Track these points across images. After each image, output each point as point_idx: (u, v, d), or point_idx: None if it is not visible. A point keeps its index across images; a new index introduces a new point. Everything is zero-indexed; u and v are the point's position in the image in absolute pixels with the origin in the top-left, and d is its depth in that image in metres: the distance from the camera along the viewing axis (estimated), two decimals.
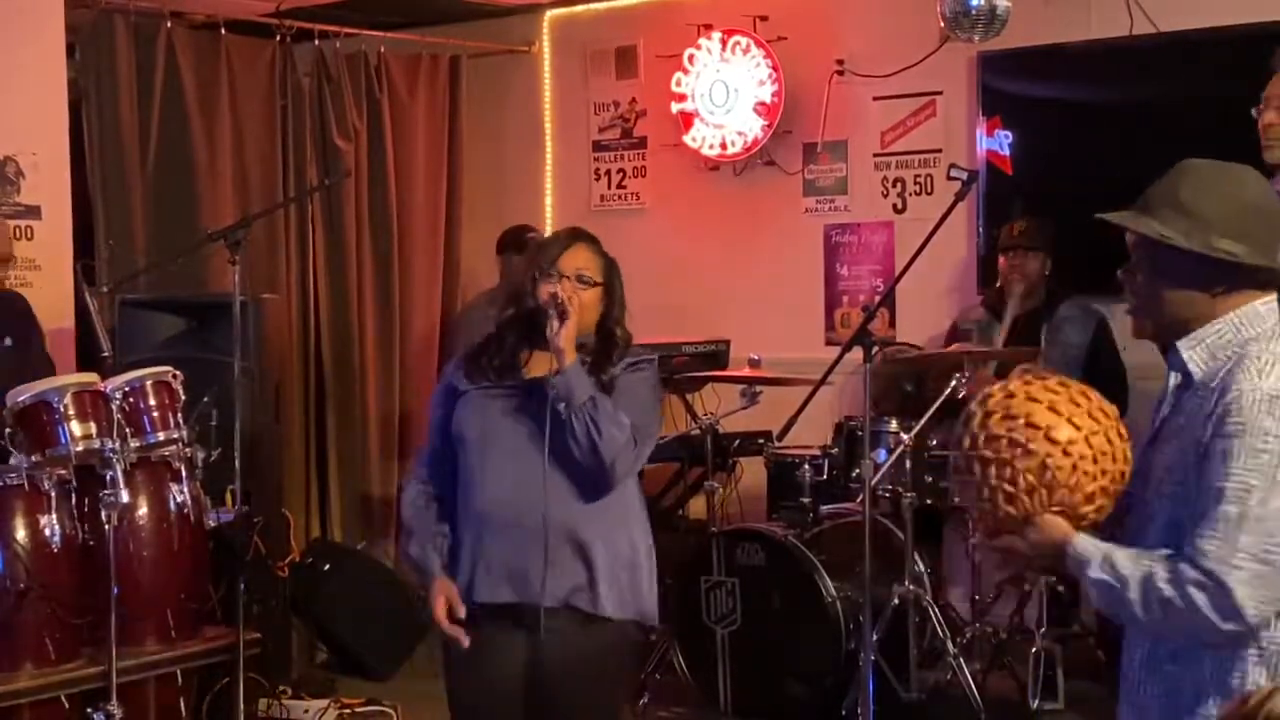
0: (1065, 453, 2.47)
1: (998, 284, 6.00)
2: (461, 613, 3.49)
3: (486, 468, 3.53)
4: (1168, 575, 2.42)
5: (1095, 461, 2.48)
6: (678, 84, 7.11)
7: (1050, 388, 2.52)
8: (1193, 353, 2.52)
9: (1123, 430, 2.52)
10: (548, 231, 7.06)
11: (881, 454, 5.34)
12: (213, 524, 4.87)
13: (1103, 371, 5.53)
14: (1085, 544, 2.50)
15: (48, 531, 4.39)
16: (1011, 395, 2.52)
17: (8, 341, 5.04)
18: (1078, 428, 2.48)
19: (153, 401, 4.60)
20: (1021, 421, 2.48)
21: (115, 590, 4.28)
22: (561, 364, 3.43)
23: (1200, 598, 2.39)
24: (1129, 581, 2.45)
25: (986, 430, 2.50)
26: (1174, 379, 2.56)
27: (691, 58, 7.05)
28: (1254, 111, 4.56)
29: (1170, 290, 2.52)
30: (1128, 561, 2.47)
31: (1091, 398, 2.54)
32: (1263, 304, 2.51)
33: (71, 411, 4.39)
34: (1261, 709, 1.73)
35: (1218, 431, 2.41)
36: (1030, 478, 2.47)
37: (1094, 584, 2.48)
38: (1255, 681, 2.45)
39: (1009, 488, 2.49)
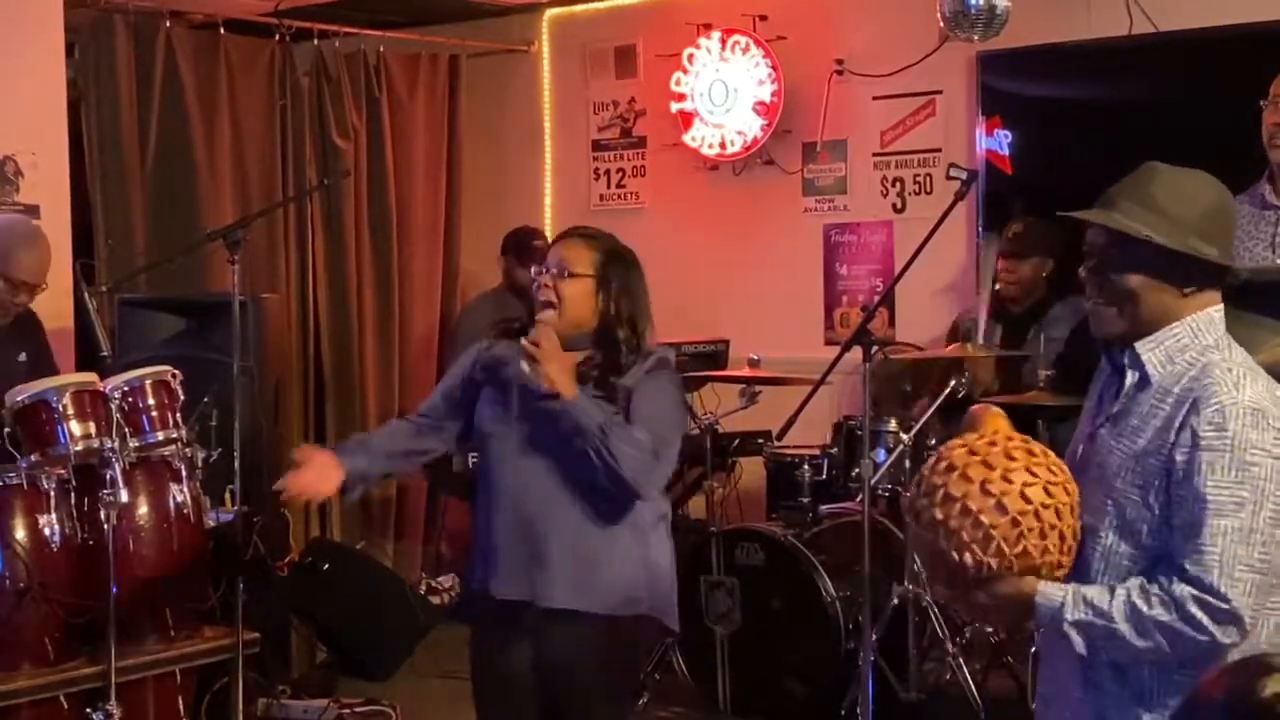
0: (1036, 515, 2.45)
1: (995, 285, 5.99)
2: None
3: (497, 467, 3.56)
4: (1159, 598, 2.42)
5: (1055, 524, 2.47)
6: (677, 83, 7.11)
7: (1017, 448, 2.51)
8: (1151, 354, 2.54)
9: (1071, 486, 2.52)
10: (548, 230, 7.07)
11: (881, 454, 5.34)
12: (212, 524, 4.86)
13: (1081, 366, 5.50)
14: (1051, 589, 2.49)
15: (47, 531, 4.38)
16: (974, 453, 2.50)
17: (22, 357, 5.03)
18: (1049, 493, 2.47)
19: (152, 401, 4.59)
20: (998, 474, 2.46)
21: (114, 590, 4.28)
22: (564, 400, 3.37)
23: (1200, 614, 2.39)
24: (1113, 614, 2.45)
25: (947, 485, 2.48)
26: (1131, 377, 2.57)
27: (691, 57, 7.05)
28: (1261, 104, 4.54)
29: (1146, 288, 2.54)
30: (1102, 595, 2.47)
31: (1050, 456, 2.54)
32: (1215, 310, 2.55)
33: (70, 411, 4.38)
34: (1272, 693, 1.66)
35: (1198, 444, 2.42)
36: (997, 533, 2.45)
37: (1075, 626, 2.47)
38: None
39: (970, 541, 2.46)
